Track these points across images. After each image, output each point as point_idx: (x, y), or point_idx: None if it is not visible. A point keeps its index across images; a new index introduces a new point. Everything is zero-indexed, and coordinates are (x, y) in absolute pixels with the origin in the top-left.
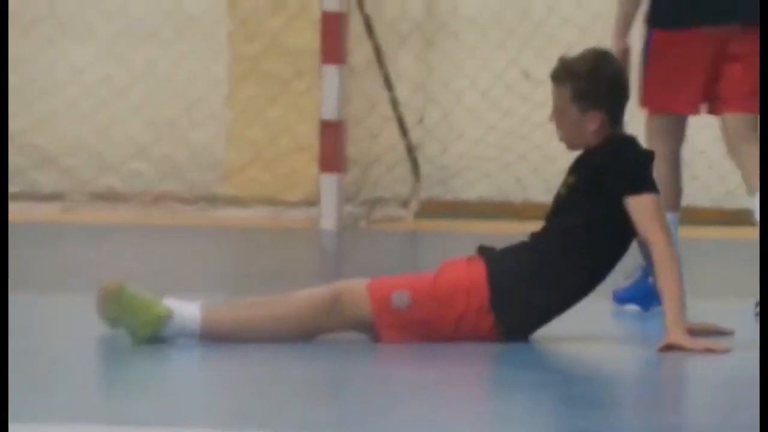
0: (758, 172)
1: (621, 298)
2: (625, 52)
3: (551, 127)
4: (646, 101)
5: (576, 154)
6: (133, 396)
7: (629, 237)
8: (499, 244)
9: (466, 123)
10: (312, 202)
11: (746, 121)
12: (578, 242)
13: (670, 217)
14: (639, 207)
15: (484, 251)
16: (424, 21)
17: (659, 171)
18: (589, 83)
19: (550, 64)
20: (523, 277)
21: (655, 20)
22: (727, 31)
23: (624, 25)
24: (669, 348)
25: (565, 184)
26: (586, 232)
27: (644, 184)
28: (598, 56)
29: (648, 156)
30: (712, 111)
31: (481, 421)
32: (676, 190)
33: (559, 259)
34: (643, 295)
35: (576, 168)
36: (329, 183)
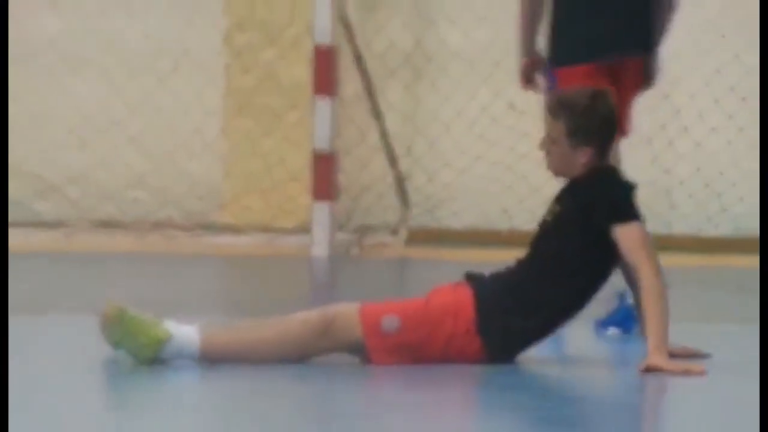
0: None
1: (602, 324)
2: (535, 64)
3: (537, 158)
4: None
5: (561, 183)
6: (134, 414)
7: (612, 264)
8: (486, 271)
9: (453, 153)
10: (305, 229)
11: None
12: (563, 268)
13: None
14: (626, 236)
15: (471, 277)
16: (412, 54)
17: None
18: (584, 120)
19: (535, 96)
20: (509, 301)
21: (558, 60)
22: (618, 63)
23: (531, 44)
24: (649, 369)
25: (551, 213)
26: (571, 258)
27: (630, 213)
28: (594, 95)
29: (632, 186)
30: None
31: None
32: None
33: (544, 284)
34: (623, 318)
35: (562, 197)
36: (321, 211)
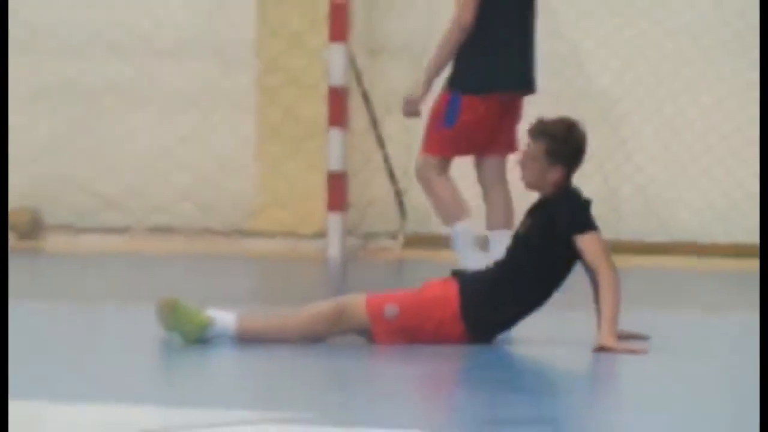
0: (503, 210)
1: None
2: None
3: (514, 173)
4: (452, 149)
5: (532, 199)
6: (182, 382)
7: (570, 266)
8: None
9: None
10: (321, 235)
11: (502, 163)
12: (533, 270)
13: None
14: (587, 244)
15: (457, 274)
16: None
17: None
18: (561, 145)
19: None
20: (487, 295)
21: (462, 87)
22: (513, 96)
23: (433, 82)
24: (601, 349)
25: (523, 225)
26: (539, 263)
27: (588, 225)
28: (571, 125)
29: (589, 203)
30: (482, 155)
31: (453, 405)
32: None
33: (516, 282)
34: None
35: (533, 212)
36: (334, 221)
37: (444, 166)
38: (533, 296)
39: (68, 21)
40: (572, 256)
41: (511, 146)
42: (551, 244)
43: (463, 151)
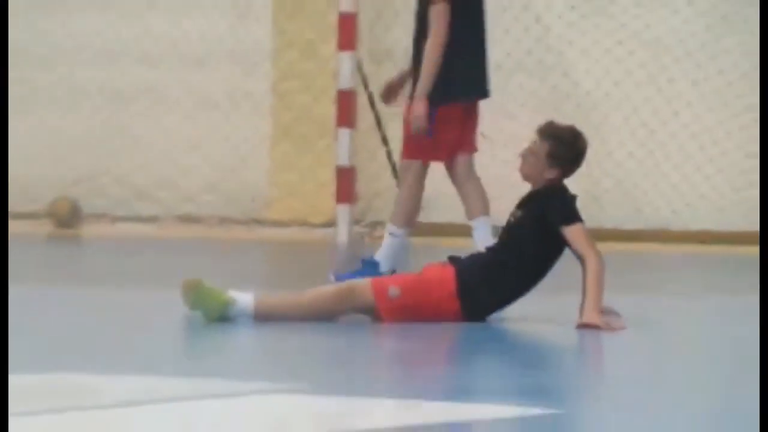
0: (479, 200)
1: (341, 276)
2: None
3: (503, 172)
4: (440, 156)
5: (522, 191)
6: (205, 356)
7: (557, 255)
8: (464, 255)
9: (440, 169)
10: (331, 224)
11: (469, 160)
12: (524, 256)
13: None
14: (573, 234)
15: (453, 258)
16: None
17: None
18: (564, 150)
19: (503, 128)
20: (480, 278)
21: (446, 98)
22: (474, 103)
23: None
24: (585, 325)
25: (514, 215)
26: (530, 250)
27: (575, 217)
28: (577, 134)
29: (575, 198)
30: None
31: (450, 376)
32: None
33: (509, 266)
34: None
35: (524, 204)
36: (343, 211)
37: (422, 172)
38: (523, 280)
39: (105, 31)
40: (560, 245)
41: (473, 146)
42: (541, 234)
43: (440, 156)
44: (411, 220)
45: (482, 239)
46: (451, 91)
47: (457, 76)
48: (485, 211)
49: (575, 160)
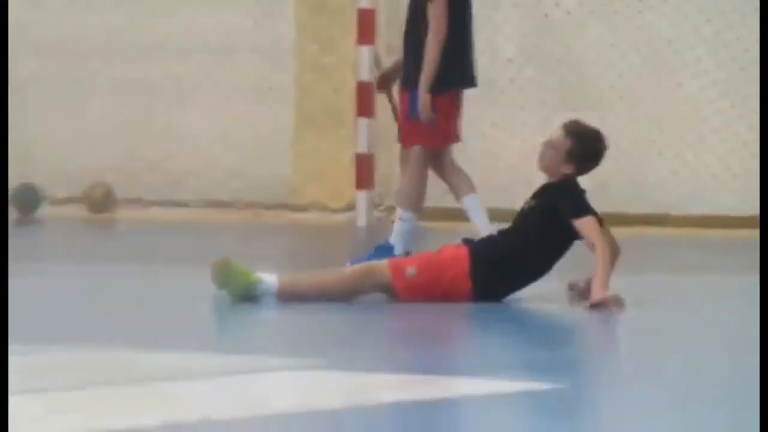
0: (464, 181)
1: (355, 261)
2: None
3: (513, 161)
4: (447, 140)
5: (530, 178)
6: (232, 331)
7: (566, 243)
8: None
9: (455, 156)
10: (351, 208)
11: (449, 150)
12: (532, 243)
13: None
14: (584, 226)
15: (468, 240)
16: None
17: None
18: (586, 150)
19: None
20: (494, 257)
21: (438, 88)
22: (460, 93)
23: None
24: (594, 304)
25: (528, 204)
26: (538, 237)
27: (585, 210)
28: (600, 138)
29: (584, 191)
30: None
31: (463, 353)
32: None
33: (519, 250)
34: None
35: (538, 194)
36: (362, 196)
37: (426, 158)
38: (533, 266)
39: (139, 27)
40: (568, 236)
41: (457, 136)
42: (551, 224)
43: (438, 143)
44: (419, 205)
45: (476, 213)
46: (442, 80)
47: (447, 67)
48: (472, 187)
49: (593, 159)
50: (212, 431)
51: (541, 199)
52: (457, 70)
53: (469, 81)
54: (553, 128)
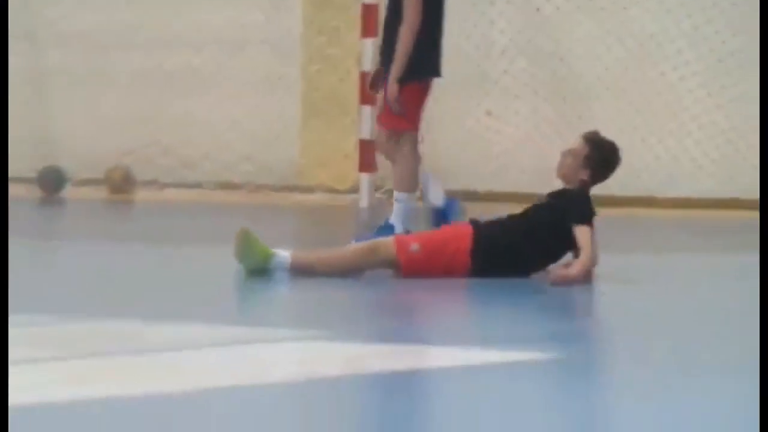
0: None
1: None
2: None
3: (507, 146)
4: (415, 125)
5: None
6: (244, 306)
7: (564, 246)
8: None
9: (451, 142)
10: (354, 190)
11: (416, 137)
12: (538, 236)
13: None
14: (580, 231)
15: (473, 221)
16: None
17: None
18: (602, 156)
19: (508, 107)
20: (495, 239)
21: (409, 77)
22: (429, 84)
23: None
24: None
25: (541, 199)
26: (544, 233)
27: (587, 219)
28: (615, 148)
29: (590, 199)
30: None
31: (464, 325)
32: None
33: (521, 236)
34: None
35: (554, 195)
36: (365, 179)
37: (416, 141)
38: (531, 255)
39: (156, 21)
40: (568, 241)
41: (418, 126)
42: (558, 224)
43: (415, 127)
44: (414, 185)
45: (429, 183)
46: (413, 70)
47: (423, 57)
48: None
49: (607, 167)
50: (217, 398)
51: (556, 199)
52: (431, 60)
53: (436, 71)
54: (544, 118)
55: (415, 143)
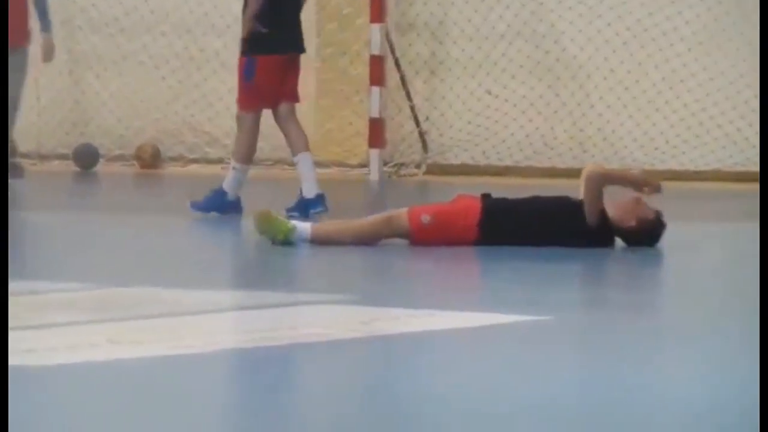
0: (300, 138)
1: (200, 207)
2: None
3: (504, 122)
4: (255, 104)
5: (517, 137)
6: (268, 272)
7: (573, 235)
8: (474, 192)
9: (454, 119)
10: (364, 165)
11: (291, 109)
12: (547, 218)
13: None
14: (587, 175)
15: (485, 195)
16: (429, 60)
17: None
18: (643, 230)
19: (506, 86)
20: (503, 215)
21: (259, 50)
22: (293, 56)
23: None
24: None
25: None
26: (554, 216)
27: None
28: (654, 236)
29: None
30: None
31: (471, 290)
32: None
33: (529, 213)
34: (302, 209)
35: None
36: (374, 154)
37: (257, 119)
38: (537, 235)
39: (181, 7)
40: (579, 231)
41: (295, 96)
42: (575, 216)
43: (266, 104)
44: (250, 158)
45: (306, 171)
46: (271, 44)
47: (276, 33)
48: (305, 147)
49: (637, 237)
50: (240, 357)
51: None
52: (285, 37)
53: (297, 47)
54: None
55: (255, 122)
